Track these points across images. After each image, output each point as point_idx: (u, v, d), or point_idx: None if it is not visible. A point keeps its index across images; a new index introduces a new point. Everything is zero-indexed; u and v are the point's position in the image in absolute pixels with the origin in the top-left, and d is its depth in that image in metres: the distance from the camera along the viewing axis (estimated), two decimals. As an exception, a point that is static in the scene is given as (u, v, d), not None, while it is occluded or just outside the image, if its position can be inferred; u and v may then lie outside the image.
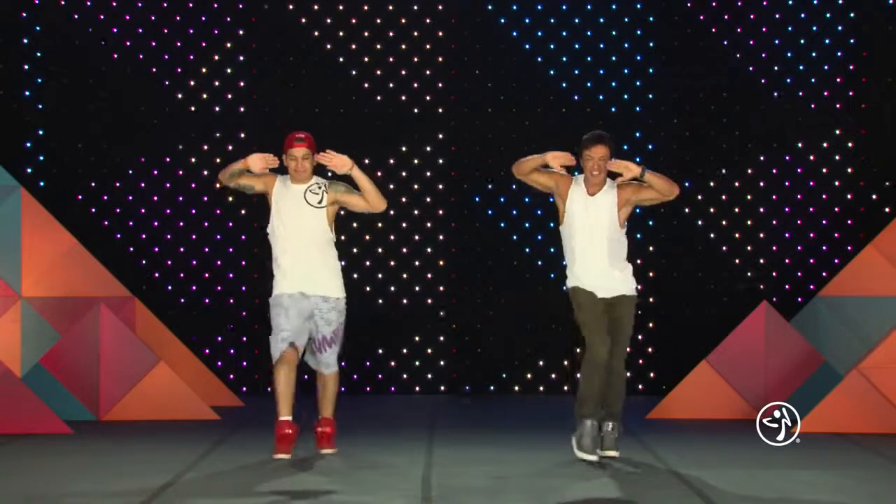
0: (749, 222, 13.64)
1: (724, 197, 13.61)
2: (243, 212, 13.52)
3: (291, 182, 9.02)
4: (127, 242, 13.40)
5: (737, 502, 7.39)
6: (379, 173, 13.49)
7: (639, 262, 13.32)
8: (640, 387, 13.52)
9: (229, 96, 13.54)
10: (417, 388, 13.64)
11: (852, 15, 13.57)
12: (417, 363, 13.65)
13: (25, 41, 13.33)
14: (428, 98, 13.65)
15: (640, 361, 13.43)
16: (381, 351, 13.61)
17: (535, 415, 12.22)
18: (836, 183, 13.58)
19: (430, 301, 13.68)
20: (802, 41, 13.60)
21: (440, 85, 13.66)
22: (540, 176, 8.96)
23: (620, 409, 9.02)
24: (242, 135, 13.54)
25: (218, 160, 13.45)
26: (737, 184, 13.61)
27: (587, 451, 8.75)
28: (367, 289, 13.58)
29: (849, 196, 13.55)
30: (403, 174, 13.65)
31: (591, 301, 8.93)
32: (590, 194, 8.87)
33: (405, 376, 13.60)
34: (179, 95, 13.51)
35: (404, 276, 13.64)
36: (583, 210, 8.87)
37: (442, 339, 13.65)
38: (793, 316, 12.64)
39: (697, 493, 7.61)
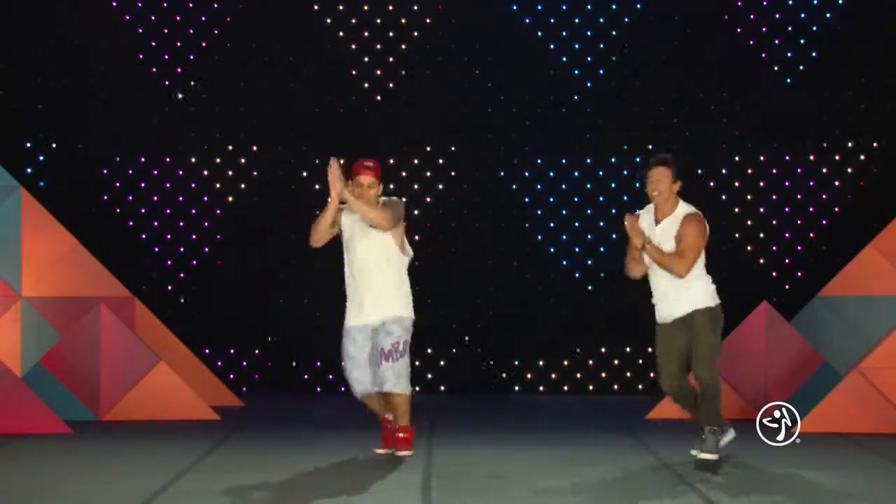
0: (749, 222, 13.64)
1: (724, 197, 13.61)
2: (244, 211, 13.53)
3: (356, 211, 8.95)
4: (127, 242, 13.40)
5: (737, 502, 7.40)
6: (379, 173, 13.49)
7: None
8: (640, 387, 13.53)
9: (229, 96, 13.54)
10: (417, 388, 13.63)
11: (852, 15, 13.57)
12: (418, 363, 13.64)
13: (25, 41, 13.32)
14: (428, 98, 13.65)
15: (640, 361, 13.43)
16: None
17: (535, 415, 12.22)
18: (836, 183, 13.59)
19: (430, 301, 13.67)
20: (802, 41, 13.61)
21: (440, 85, 13.65)
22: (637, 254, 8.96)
23: (702, 415, 8.87)
24: (242, 135, 13.55)
25: (218, 160, 13.47)
26: (737, 184, 13.62)
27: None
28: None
29: (849, 196, 13.55)
30: (404, 174, 13.65)
31: (661, 338, 9.00)
32: (656, 221, 8.90)
33: (405, 376, 13.58)
34: (179, 95, 13.50)
35: (404, 276, 13.62)
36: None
37: (442, 339, 13.65)
38: (793, 316, 12.64)
39: (697, 493, 7.62)
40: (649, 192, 8.91)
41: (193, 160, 13.52)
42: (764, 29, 13.63)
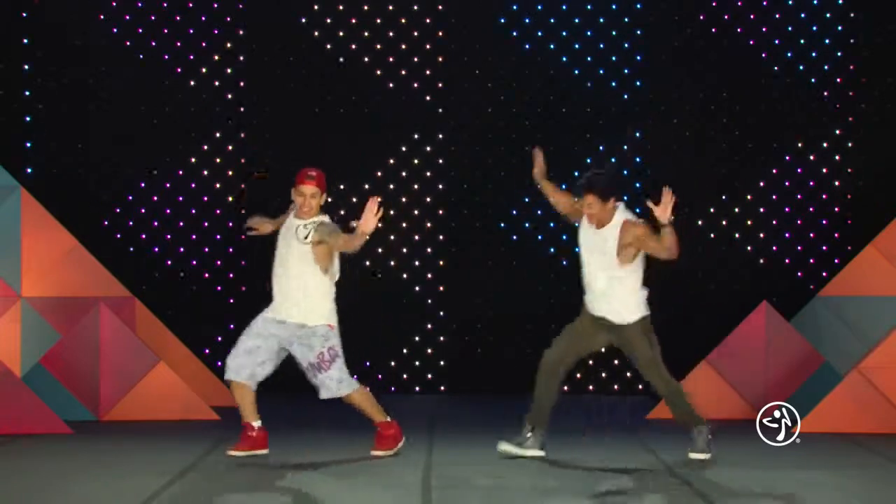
0: (749, 222, 13.64)
1: (723, 197, 13.61)
2: (243, 212, 13.50)
3: (295, 216, 8.96)
4: (127, 242, 13.39)
5: (736, 502, 7.40)
6: (379, 173, 13.51)
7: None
8: (640, 387, 13.52)
9: (229, 96, 13.54)
10: (417, 388, 13.64)
11: (852, 15, 13.57)
12: (417, 363, 13.64)
13: (25, 41, 13.32)
14: (427, 98, 13.65)
15: (640, 361, 13.42)
16: (381, 351, 13.60)
17: (535, 415, 12.19)
18: (836, 183, 13.59)
19: (430, 301, 13.68)
20: (802, 41, 13.61)
21: (440, 85, 13.65)
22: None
23: (679, 419, 9.01)
24: (242, 135, 13.55)
25: (218, 160, 13.47)
26: (736, 184, 13.62)
27: None
28: (368, 289, 13.57)
29: (849, 196, 13.55)
30: (403, 174, 13.65)
31: (581, 323, 9.08)
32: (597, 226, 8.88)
33: (405, 376, 13.60)
34: (179, 96, 13.50)
35: (404, 276, 13.64)
36: (584, 238, 8.95)
37: (442, 339, 13.65)
38: (793, 316, 12.64)
39: (697, 493, 7.62)
40: (585, 212, 8.87)
41: (193, 160, 13.52)
42: (764, 29, 13.62)
